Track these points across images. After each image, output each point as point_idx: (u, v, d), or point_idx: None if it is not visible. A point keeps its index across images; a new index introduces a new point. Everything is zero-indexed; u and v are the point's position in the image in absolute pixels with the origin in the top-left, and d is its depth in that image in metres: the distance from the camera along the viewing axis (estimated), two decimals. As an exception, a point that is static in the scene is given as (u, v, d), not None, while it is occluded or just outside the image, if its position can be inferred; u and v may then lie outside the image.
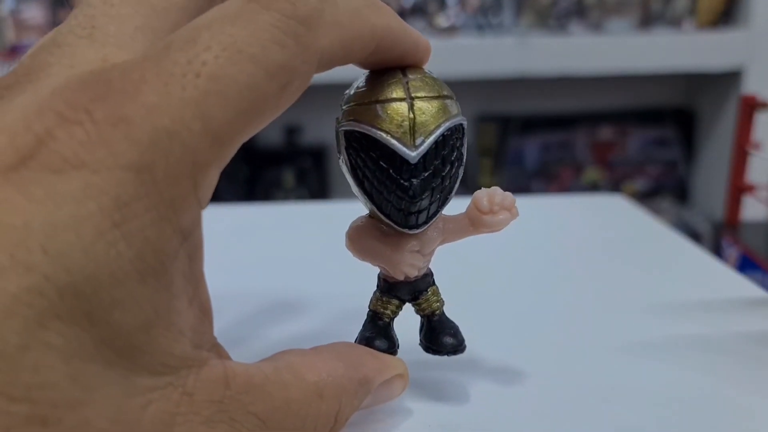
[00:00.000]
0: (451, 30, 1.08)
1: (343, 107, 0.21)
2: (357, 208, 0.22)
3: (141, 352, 0.15)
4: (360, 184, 0.21)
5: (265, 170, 1.21)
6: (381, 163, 0.20)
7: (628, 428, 0.22)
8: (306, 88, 0.17)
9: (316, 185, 1.22)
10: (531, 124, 1.16)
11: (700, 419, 0.22)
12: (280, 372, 0.18)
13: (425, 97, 0.20)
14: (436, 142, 0.20)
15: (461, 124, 0.21)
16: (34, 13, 1.08)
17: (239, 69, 0.15)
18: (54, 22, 1.09)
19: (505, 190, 0.22)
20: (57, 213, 0.14)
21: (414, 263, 0.21)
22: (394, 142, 0.20)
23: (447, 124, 0.20)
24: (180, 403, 0.15)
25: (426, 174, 0.20)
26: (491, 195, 0.21)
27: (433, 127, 0.20)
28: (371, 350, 0.21)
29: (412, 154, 0.20)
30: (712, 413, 0.22)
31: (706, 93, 1.18)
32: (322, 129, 1.25)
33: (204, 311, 0.17)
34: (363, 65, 0.20)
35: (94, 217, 0.14)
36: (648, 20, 1.10)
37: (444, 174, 0.20)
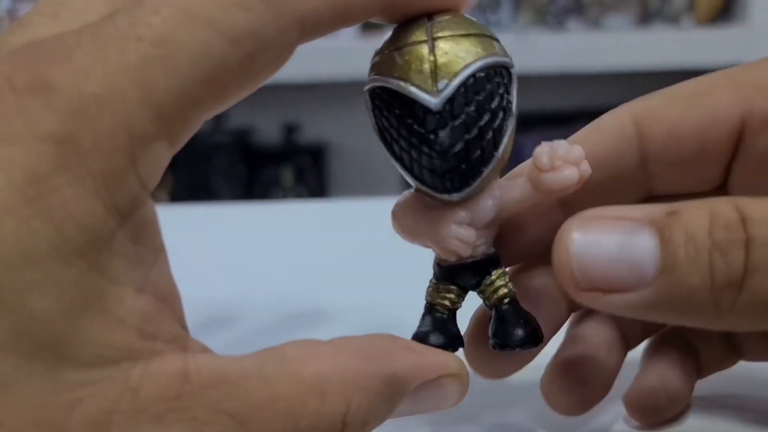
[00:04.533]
0: (449, 27, 1.08)
1: (370, 64, 0.18)
2: (357, 206, 0.21)
3: (67, 342, 0.13)
4: (390, 148, 0.18)
5: (264, 169, 1.21)
6: (404, 118, 0.17)
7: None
8: (287, 58, 0.16)
9: (314, 184, 1.22)
10: (530, 121, 1.16)
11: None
12: (264, 365, 0.15)
13: (451, 36, 0.17)
14: (464, 85, 0.17)
15: (504, 66, 0.18)
16: (32, 12, 1.08)
17: (191, 33, 0.14)
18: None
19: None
20: None
21: (463, 237, 0.18)
22: (412, 89, 0.17)
23: (479, 64, 0.17)
24: (120, 400, 0.13)
25: (456, 123, 0.17)
26: (553, 148, 0.17)
27: (459, 67, 0.17)
28: (412, 343, 0.18)
29: (434, 101, 0.17)
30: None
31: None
32: (321, 127, 1.25)
33: (164, 299, 0.15)
34: (385, 21, 0.18)
35: (2, 192, 0.13)
36: (646, 17, 1.10)
37: (482, 125, 0.17)
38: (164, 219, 0.15)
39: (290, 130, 1.22)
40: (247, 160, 1.20)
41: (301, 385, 0.15)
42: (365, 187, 1.23)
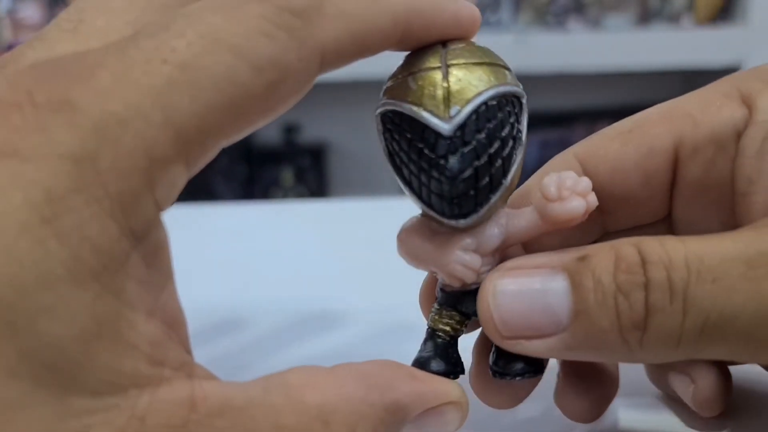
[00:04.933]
0: (449, 27, 1.08)
1: (383, 88, 0.18)
2: (357, 206, 0.21)
3: (78, 368, 0.13)
4: (399, 171, 0.18)
5: (264, 169, 1.21)
6: (415, 142, 0.17)
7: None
8: (307, 88, 0.16)
9: (314, 184, 1.22)
10: (530, 121, 1.16)
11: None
12: (270, 393, 0.15)
13: (465, 63, 0.17)
14: (476, 112, 0.17)
15: (515, 96, 0.18)
16: (31, 12, 1.08)
17: (215, 59, 0.14)
18: (51, 21, 1.09)
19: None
20: None
21: (468, 263, 0.18)
22: (424, 114, 0.17)
23: (492, 92, 0.17)
24: (126, 429, 0.13)
25: (466, 149, 0.17)
26: (561, 179, 0.18)
27: (472, 95, 0.17)
28: (414, 371, 0.18)
29: (446, 126, 0.17)
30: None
31: (705, 89, 1.18)
32: (321, 127, 1.25)
33: (171, 325, 0.15)
34: (399, 50, 0.18)
35: (18, 211, 0.12)
36: (646, 17, 1.10)
37: (492, 152, 0.17)
38: (164, 219, 0.15)
39: (290, 130, 1.22)
40: (247, 160, 1.20)
41: (305, 414, 0.15)
42: (365, 187, 1.23)
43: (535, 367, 0.19)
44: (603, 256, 0.16)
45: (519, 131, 0.18)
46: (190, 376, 0.15)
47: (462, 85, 0.17)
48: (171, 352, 0.15)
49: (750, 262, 0.15)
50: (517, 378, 0.19)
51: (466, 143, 0.17)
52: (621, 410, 0.22)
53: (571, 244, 0.18)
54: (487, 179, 0.17)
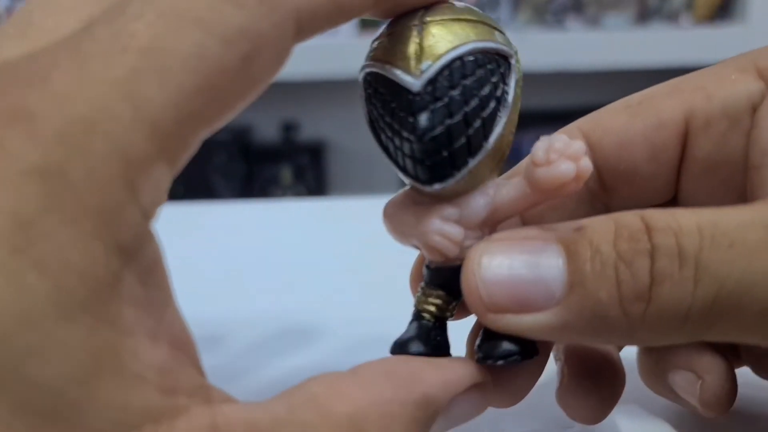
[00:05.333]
0: (448, 26, 1.08)
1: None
2: (355, 205, 0.21)
3: (80, 410, 0.11)
4: (378, 138, 0.17)
5: (262, 167, 1.21)
6: (389, 102, 0.16)
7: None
8: (285, 59, 0.14)
9: (313, 182, 1.22)
10: (528, 119, 1.16)
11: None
12: (296, 410, 0.14)
13: (442, 20, 0.16)
14: (449, 67, 0.16)
15: (500, 54, 0.16)
16: (30, 10, 1.08)
17: (180, 37, 0.12)
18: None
19: None
20: None
21: (447, 233, 0.17)
22: (396, 71, 0.16)
23: (468, 47, 0.16)
24: None
25: (436, 105, 0.16)
26: (550, 141, 0.16)
27: (445, 49, 0.16)
28: (431, 360, 0.16)
29: (414, 81, 0.16)
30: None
31: (704, 88, 1.18)
32: (320, 125, 1.25)
33: (178, 346, 0.13)
34: (379, 16, 0.17)
35: None
36: (645, 15, 1.10)
37: (468, 110, 0.16)
38: (162, 218, 0.15)
39: (289, 128, 1.22)
40: (245, 158, 1.20)
41: (338, 426, 0.14)
42: (364, 185, 1.23)
43: (523, 349, 0.17)
44: (602, 225, 0.15)
45: (505, 92, 0.17)
46: (208, 401, 0.13)
47: (435, 40, 0.16)
48: (183, 376, 0.13)
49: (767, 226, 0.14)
50: (501, 362, 0.17)
51: (436, 99, 0.16)
52: (620, 412, 0.22)
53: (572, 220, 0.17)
54: (463, 140, 0.16)
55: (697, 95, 0.19)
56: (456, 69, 0.16)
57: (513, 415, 0.22)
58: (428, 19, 0.16)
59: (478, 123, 0.16)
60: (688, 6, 1.09)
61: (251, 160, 1.20)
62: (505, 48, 0.17)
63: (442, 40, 0.16)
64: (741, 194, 0.18)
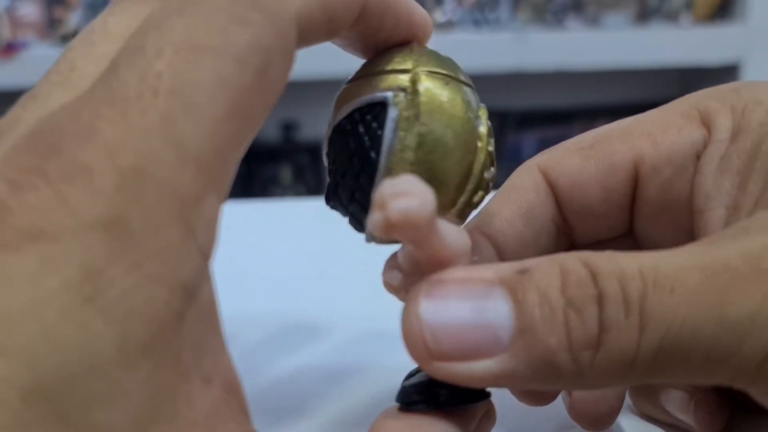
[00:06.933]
0: (448, 25, 1.08)
1: None
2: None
3: None
4: None
5: (262, 167, 1.21)
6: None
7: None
8: (291, 66, 0.15)
9: (313, 182, 1.22)
10: (528, 119, 1.16)
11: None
12: None
13: (361, 74, 0.17)
14: (340, 129, 0.16)
15: (374, 101, 0.16)
16: (30, 11, 1.08)
17: (200, 69, 0.13)
18: (49, 20, 1.09)
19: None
20: (11, 300, 0.11)
21: (386, 280, 0.17)
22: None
23: (354, 104, 0.16)
24: None
25: (330, 167, 0.17)
26: (384, 186, 0.14)
27: (341, 107, 0.16)
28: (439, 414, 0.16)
29: (325, 147, 0.17)
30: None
31: (703, 87, 1.18)
32: (320, 125, 1.25)
33: (230, 390, 0.14)
34: (353, 41, 0.18)
35: (57, 296, 0.11)
36: (645, 14, 1.10)
37: (344, 168, 0.16)
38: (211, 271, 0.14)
39: (289, 128, 1.22)
40: (245, 157, 1.18)
41: None
42: (364, 185, 1.23)
43: (463, 395, 0.16)
44: (546, 269, 0.15)
45: (376, 140, 0.16)
46: None
47: (341, 96, 0.18)
48: (232, 424, 0.13)
49: (706, 270, 0.14)
50: (406, 406, 0.16)
51: (331, 162, 0.18)
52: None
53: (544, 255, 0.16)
54: (352, 194, 0.17)
55: (645, 141, 0.20)
56: (347, 131, 0.17)
57: (514, 415, 0.22)
58: (362, 71, 0.17)
59: (364, 180, 0.16)
60: (688, 6, 1.09)
61: (251, 160, 1.20)
62: (378, 95, 0.16)
63: (343, 99, 0.17)
64: (690, 234, 0.19)
